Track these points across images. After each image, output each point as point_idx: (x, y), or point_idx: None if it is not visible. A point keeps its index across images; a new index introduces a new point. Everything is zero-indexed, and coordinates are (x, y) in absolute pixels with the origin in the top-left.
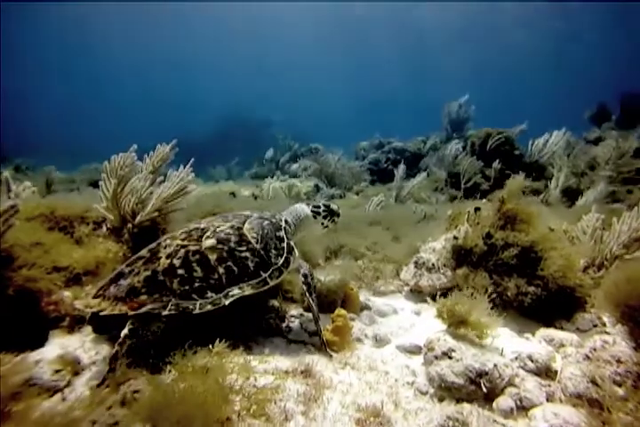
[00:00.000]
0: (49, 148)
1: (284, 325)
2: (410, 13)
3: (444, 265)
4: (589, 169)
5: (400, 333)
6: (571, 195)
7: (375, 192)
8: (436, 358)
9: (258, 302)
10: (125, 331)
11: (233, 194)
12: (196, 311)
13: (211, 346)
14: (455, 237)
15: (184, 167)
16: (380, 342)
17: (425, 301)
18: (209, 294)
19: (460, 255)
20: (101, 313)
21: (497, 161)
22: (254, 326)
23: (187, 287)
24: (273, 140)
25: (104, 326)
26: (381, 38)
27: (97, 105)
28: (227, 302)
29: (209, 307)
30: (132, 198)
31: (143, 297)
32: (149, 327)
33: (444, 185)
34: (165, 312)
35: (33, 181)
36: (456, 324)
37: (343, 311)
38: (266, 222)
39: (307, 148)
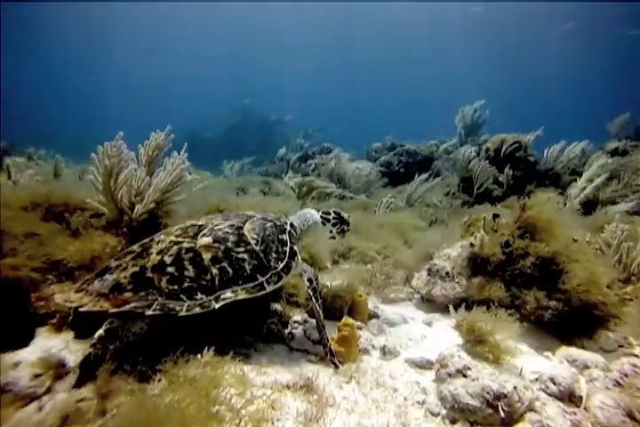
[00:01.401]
0: (63, 138)
1: (286, 331)
2: (426, 15)
3: (459, 274)
4: (609, 179)
5: (410, 345)
6: (585, 205)
7: (385, 195)
8: (450, 375)
9: (259, 305)
10: (101, 331)
11: (242, 190)
12: (182, 314)
13: (200, 356)
14: (472, 245)
15: (178, 154)
16: (388, 354)
17: (437, 310)
18: (198, 296)
19: (476, 264)
20: (81, 309)
21: (508, 166)
22: (254, 331)
23: (175, 287)
24: (284, 139)
25: (87, 330)
26: (398, 40)
27: (112, 99)
28: (217, 306)
29: (197, 310)
30: (129, 190)
31: (128, 294)
32: (130, 328)
33: (457, 190)
34: (149, 312)
35: (44, 170)
36: (474, 341)
37: (350, 320)
38: (269, 224)
39: (319, 147)
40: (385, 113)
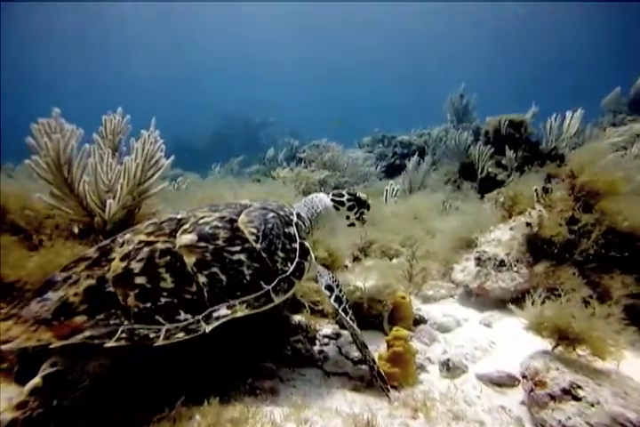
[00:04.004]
0: None
1: (315, 349)
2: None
3: (517, 261)
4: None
5: (477, 355)
6: None
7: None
8: (553, 398)
9: (276, 317)
10: (36, 380)
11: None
12: (159, 342)
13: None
14: (528, 224)
15: (146, 131)
16: (453, 370)
17: (492, 307)
18: (182, 316)
19: (538, 247)
20: (4, 347)
21: (507, 147)
22: (275, 353)
23: (148, 305)
24: (271, 141)
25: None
26: (377, 35)
27: (93, 110)
28: (208, 329)
29: (180, 335)
30: (95, 182)
31: (80, 319)
32: (85, 367)
33: (458, 177)
34: (111, 343)
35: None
36: (568, 344)
37: (403, 332)
38: (271, 215)
39: (308, 145)
40: (369, 107)
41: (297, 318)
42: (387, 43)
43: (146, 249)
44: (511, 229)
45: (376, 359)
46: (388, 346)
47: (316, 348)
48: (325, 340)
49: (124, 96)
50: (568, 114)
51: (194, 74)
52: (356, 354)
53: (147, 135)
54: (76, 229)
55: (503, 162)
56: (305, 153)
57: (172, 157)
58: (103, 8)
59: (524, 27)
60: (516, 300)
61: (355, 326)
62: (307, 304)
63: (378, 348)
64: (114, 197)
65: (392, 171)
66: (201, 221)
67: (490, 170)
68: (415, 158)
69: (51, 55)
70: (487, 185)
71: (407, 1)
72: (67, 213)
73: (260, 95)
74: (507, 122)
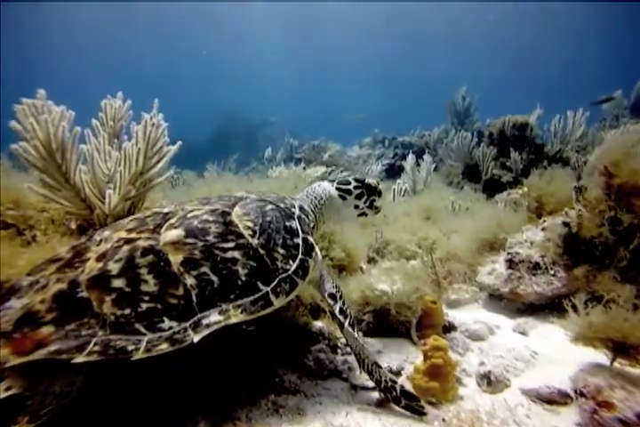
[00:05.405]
0: None
1: (338, 359)
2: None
3: (554, 263)
4: None
5: (519, 367)
6: None
7: (386, 187)
8: (627, 424)
9: (295, 324)
10: None
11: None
12: (139, 356)
13: None
14: (565, 224)
15: (148, 115)
16: (494, 384)
17: (523, 313)
18: (166, 324)
19: (577, 249)
20: None
21: (512, 149)
22: (294, 364)
23: (127, 312)
24: (270, 141)
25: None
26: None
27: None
28: (196, 338)
29: (164, 346)
30: (93, 171)
31: (46, 330)
32: (50, 387)
33: (461, 178)
34: (80, 358)
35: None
36: (628, 356)
37: (443, 342)
38: (269, 207)
39: (307, 145)
40: (369, 108)
41: (318, 324)
42: (386, 43)
43: (126, 247)
44: (543, 229)
45: (412, 372)
46: (425, 357)
47: (339, 358)
48: (348, 349)
49: (125, 95)
50: (570, 114)
51: (193, 73)
52: (384, 365)
53: (148, 118)
54: (73, 224)
55: (508, 164)
56: (303, 153)
57: (180, 143)
58: (106, 8)
59: (525, 28)
60: (552, 305)
61: (363, 342)
62: (327, 309)
63: (407, 358)
64: (114, 188)
65: (393, 172)
66: (190, 215)
67: (494, 172)
68: (411, 157)
69: (52, 54)
70: (491, 187)
71: (405, 1)
72: (62, 206)
73: (260, 95)
74: (511, 123)
